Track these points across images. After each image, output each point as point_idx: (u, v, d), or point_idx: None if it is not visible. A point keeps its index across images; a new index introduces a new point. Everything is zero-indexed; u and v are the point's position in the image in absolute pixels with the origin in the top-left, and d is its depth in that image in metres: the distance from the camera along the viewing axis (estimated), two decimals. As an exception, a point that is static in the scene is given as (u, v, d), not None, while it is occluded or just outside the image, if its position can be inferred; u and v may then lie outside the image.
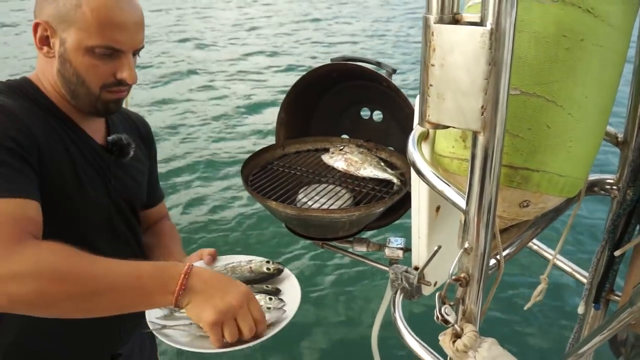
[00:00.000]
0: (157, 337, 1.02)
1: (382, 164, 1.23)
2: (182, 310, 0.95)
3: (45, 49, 1.05)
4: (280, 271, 1.18)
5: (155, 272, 0.91)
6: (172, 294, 0.88)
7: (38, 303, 0.84)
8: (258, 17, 12.31)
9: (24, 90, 1.07)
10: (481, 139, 0.53)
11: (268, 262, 1.18)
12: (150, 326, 1.02)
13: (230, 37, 10.46)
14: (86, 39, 1.01)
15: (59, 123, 1.08)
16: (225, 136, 6.00)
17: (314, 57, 8.97)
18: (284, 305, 1.05)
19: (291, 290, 1.13)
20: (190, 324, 0.98)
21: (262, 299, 1.05)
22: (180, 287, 0.88)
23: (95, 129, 1.18)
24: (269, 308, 1.03)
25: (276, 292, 1.12)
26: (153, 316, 1.04)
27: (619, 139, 0.98)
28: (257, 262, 1.18)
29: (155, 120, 6.02)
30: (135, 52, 1.10)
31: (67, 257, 0.86)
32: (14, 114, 0.98)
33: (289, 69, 8.38)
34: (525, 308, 0.97)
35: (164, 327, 1.02)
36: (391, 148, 1.31)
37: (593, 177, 1.04)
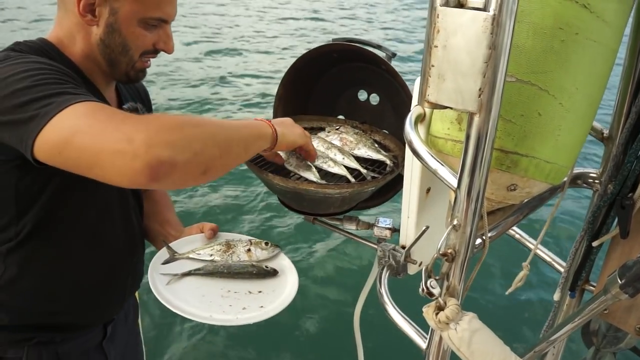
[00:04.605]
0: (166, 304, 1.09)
1: (376, 145, 1.25)
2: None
3: (89, 16, 1.04)
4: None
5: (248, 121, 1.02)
6: (270, 127, 1.01)
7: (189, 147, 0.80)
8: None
9: (44, 51, 1.05)
10: (477, 120, 0.56)
11: (267, 243, 1.26)
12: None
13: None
14: (142, 10, 1.03)
15: (85, 85, 1.06)
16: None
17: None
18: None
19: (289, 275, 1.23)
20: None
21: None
22: (270, 123, 1.02)
23: (110, 97, 1.18)
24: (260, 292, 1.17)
25: (274, 273, 1.20)
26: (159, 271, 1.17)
27: (605, 135, 1.02)
28: (256, 242, 1.26)
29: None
30: None
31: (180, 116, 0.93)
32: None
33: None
34: (507, 293, 1.01)
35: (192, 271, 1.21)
36: (386, 131, 1.34)
37: (577, 170, 1.08)
